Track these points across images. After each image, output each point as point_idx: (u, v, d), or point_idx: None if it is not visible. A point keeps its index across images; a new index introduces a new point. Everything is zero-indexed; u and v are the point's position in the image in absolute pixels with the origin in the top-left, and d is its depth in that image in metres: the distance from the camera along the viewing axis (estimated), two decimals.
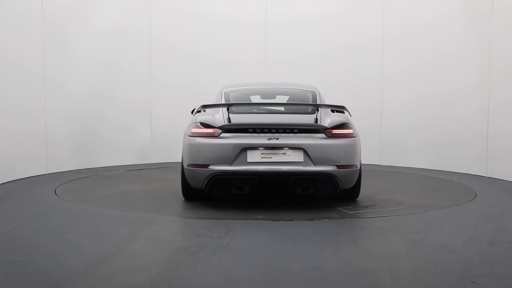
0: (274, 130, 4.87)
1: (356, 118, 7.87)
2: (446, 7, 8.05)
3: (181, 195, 5.50)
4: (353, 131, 5.07)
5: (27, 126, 7.04)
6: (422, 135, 8.39)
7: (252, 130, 4.88)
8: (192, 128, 5.02)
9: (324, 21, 9.15)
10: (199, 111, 5.25)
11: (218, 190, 5.14)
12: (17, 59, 6.85)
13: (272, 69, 9.18)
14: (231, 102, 5.48)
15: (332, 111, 6.34)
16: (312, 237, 3.98)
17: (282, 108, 5.61)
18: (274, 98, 6.21)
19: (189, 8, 9.26)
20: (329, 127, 4.95)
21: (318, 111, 5.17)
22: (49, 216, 4.76)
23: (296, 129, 4.90)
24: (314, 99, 5.68)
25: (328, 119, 5.07)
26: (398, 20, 8.63)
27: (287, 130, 4.88)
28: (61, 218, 4.67)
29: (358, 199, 5.52)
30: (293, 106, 5.49)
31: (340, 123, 5.05)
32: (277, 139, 4.82)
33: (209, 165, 4.83)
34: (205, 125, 4.95)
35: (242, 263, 3.30)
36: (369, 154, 8.86)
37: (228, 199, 5.55)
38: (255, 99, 6.02)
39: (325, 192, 5.14)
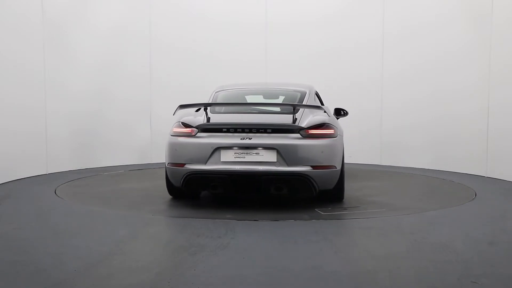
0: (247, 130, 4.88)
1: (356, 118, 7.93)
2: (446, 7, 8.05)
3: (190, 196, 5.56)
4: (334, 131, 4.99)
5: (27, 126, 7.04)
6: (422, 135, 8.39)
7: (226, 130, 4.91)
8: (174, 127, 5.14)
9: (324, 21, 9.15)
10: (187, 110, 5.30)
11: (194, 189, 5.21)
12: (17, 59, 6.85)
13: (272, 69, 9.18)
14: (219, 102, 5.54)
15: (337, 111, 6.31)
16: (312, 237, 3.97)
17: (270, 108, 5.53)
18: (264, 98, 6.23)
19: (189, 8, 9.26)
20: (305, 127, 4.89)
21: (297, 111, 5.09)
22: (49, 216, 4.76)
23: (269, 129, 4.88)
24: (301, 99, 5.64)
25: (307, 119, 5.01)
26: (398, 20, 8.63)
27: (260, 130, 4.88)
28: (61, 218, 4.67)
29: (346, 200, 5.45)
30: (275, 106, 5.48)
31: (319, 123, 4.96)
32: (250, 139, 4.83)
33: (185, 164, 4.91)
34: (186, 125, 5.06)
35: (242, 263, 3.30)
36: (369, 154, 8.87)
37: (227, 199, 5.55)
38: (243, 99, 6.01)
39: (301, 193, 5.06)
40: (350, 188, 6.55)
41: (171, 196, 5.62)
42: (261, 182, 4.81)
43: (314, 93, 5.92)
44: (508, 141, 6.97)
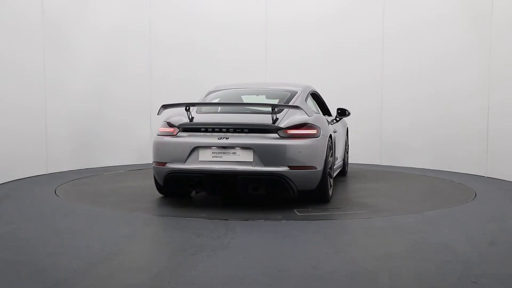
0: (224, 130, 4.92)
1: (356, 118, 7.94)
2: (446, 7, 8.05)
3: (180, 195, 5.62)
4: (316, 131, 4.95)
5: (27, 126, 7.04)
6: (422, 135, 8.39)
7: (204, 129, 4.98)
8: (160, 127, 5.28)
9: (324, 22, 9.15)
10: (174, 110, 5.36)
11: (175, 188, 5.26)
12: (17, 59, 6.85)
13: (272, 69, 9.18)
14: (202, 102, 5.62)
15: (339, 111, 6.46)
16: (312, 237, 3.98)
17: (261, 108, 5.45)
18: (254, 97, 6.25)
19: (189, 8, 9.26)
20: (283, 127, 4.87)
21: (281, 110, 5.06)
22: (49, 216, 4.76)
23: (246, 129, 4.89)
24: (290, 98, 5.60)
25: (289, 119, 4.98)
26: (398, 20, 8.62)
27: (237, 130, 4.90)
28: (61, 218, 4.67)
29: (336, 201, 5.39)
30: (254, 106, 5.45)
31: (299, 123, 4.93)
32: (227, 138, 4.86)
33: (166, 163, 5.02)
34: (170, 125, 5.17)
35: (242, 263, 3.30)
36: (369, 154, 8.87)
37: (226, 199, 5.55)
38: (233, 99, 6.01)
39: (279, 194, 5.00)
40: (344, 189, 6.54)
41: (170, 196, 5.62)
42: (237, 181, 4.82)
43: (307, 93, 5.87)
44: (508, 141, 6.97)
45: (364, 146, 8.87)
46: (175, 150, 4.98)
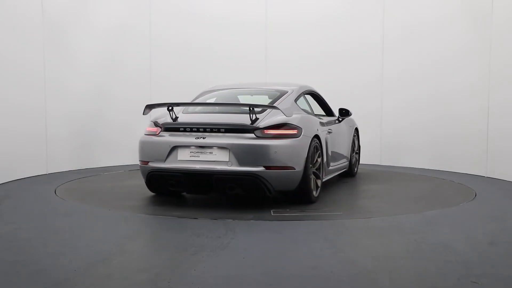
0: (202, 130, 4.98)
1: (356, 118, 7.92)
2: (446, 8, 8.05)
3: (182, 195, 5.64)
4: (297, 131, 4.93)
5: (27, 126, 7.04)
6: (422, 135, 8.39)
7: (183, 129, 5.05)
8: (147, 127, 5.39)
9: (324, 22, 9.14)
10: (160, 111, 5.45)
11: (156, 186, 5.35)
12: (17, 59, 6.85)
13: (272, 69, 9.18)
14: (185, 102, 5.67)
15: (340, 111, 6.50)
16: (312, 237, 3.97)
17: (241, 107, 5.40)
18: (248, 97, 6.23)
19: (189, 8, 9.26)
20: (261, 127, 4.87)
21: (264, 110, 5.04)
22: (49, 216, 4.76)
23: (222, 128, 4.92)
24: (277, 98, 5.57)
25: (269, 119, 4.97)
26: (398, 21, 8.62)
27: (213, 130, 4.94)
28: (61, 218, 4.67)
29: (323, 202, 5.33)
30: (231, 106, 5.43)
31: (278, 123, 4.91)
32: (204, 138, 4.91)
33: (148, 162, 5.15)
34: (156, 124, 5.28)
35: (242, 263, 3.30)
36: (368, 154, 8.87)
37: (226, 199, 5.55)
38: (222, 99, 6.02)
39: (255, 194, 4.99)
40: (340, 190, 6.54)
41: (170, 196, 5.63)
42: (213, 181, 4.85)
43: (299, 93, 5.83)
44: (508, 141, 6.97)
45: (364, 146, 8.85)
46: (156, 149, 5.09)
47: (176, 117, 5.21)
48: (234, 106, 5.38)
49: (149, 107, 5.22)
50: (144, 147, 5.21)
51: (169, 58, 9.11)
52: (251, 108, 4.89)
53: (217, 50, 9.24)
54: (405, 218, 4.69)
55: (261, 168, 4.75)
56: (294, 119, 5.05)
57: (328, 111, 6.70)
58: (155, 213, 4.83)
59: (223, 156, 4.83)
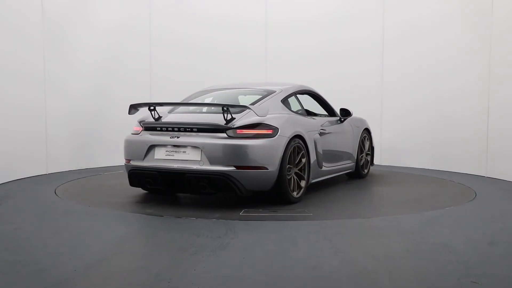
0: (176, 129, 5.06)
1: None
2: (446, 9, 8.04)
3: (182, 195, 5.66)
4: (272, 131, 4.93)
5: (27, 126, 7.04)
6: (422, 135, 8.39)
7: (159, 128, 5.16)
8: (134, 126, 5.52)
9: (324, 23, 9.13)
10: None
11: (136, 184, 5.42)
12: (17, 59, 6.85)
13: (272, 68, 9.17)
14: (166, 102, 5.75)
15: (341, 111, 6.51)
16: (312, 237, 3.98)
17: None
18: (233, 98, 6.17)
19: (189, 7, 9.25)
20: (233, 126, 4.89)
21: (242, 110, 5.03)
22: (49, 216, 4.76)
23: (195, 128, 4.98)
24: (261, 98, 5.56)
25: (245, 119, 4.97)
26: (398, 23, 8.60)
27: (187, 130, 5.01)
28: (61, 218, 4.67)
29: (306, 203, 5.27)
30: (207, 106, 5.49)
31: (253, 122, 4.93)
32: (177, 137, 5.00)
33: (130, 160, 5.32)
34: (139, 124, 5.42)
35: (242, 263, 3.30)
36: None
37: (226, 198, 5.55)
38: (209, 99, 6.04)
39: (227, 193, 5.02)
40: (329, 192, 6.52)
41: (171, 197, 5.64)
42: (185, 180, 4.90)
43: (289, 93, 5.80)
44: (508, 141, 6.97)
45: None
46: (136, 148, 5.24)
47: (160, 117, 5.30)
48: (207, 106, 5.45)
49: (133, 107, 5.32)
50: (126, 145, 5.37)
51: (169, 58, 9.10)
52: (225, 108, 4.92)
53: (217, 50, 9.23)
54: (405, 218, 4.69)
55: (231, 168, 4.78)
56: (270, 119, 5.04)
57: (330, 111, 6.64)
58: (155, 212, 4.83)
59: (196, 155, 4.90)
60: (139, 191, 5.93)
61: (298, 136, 5.26)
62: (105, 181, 6.85)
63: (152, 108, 5.23)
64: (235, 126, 4.89)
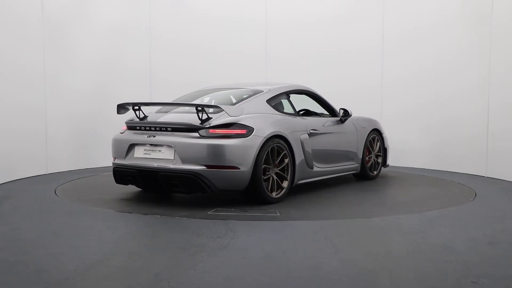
0: (153, 129, 5.19)
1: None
2: (446, 11, 8.03)
3: (180, 195, 5.65)
4: (246, 131, 4.94)
5: (27, 126, 7.04)
6: (422, 135, 8.38)
7: (139, 128, 5.32)
8: (123, 126, 5.65)
9: (324, 23, 9.12)
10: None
11: (120, 182, 5.54)
12: (17, 59, 6.85)
13: (272, 68, 9.16)
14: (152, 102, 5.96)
15: (341, 111, 6.46)
16: (312, 237, 3.98)
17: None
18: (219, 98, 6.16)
19: (189, 6, 9.24)
20: (206, 126, 4.93)
21: (218, 110, 5.03)
22: (49, 216, 4.76)
23: (169, 127, 5.07)
24: (245, 98, 5.57)
25: (221, 119, 5.00)
26: (398, 25, 8.59)
27: (162, 129, 5.11)
28: (61, 218, 4.67)
29: (289, 203, 5.26)
30: (184, 106, 5.59)
31: (227, 122, 4.97)
32: (154, 137, 5.13)
33: (116, 158, 5.51)
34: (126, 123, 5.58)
35: (242, 263, 3.30)
36: None
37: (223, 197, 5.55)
38: (192, 99, 6.06)
39: (199, 192, 5.04)
40: (320, 193, 6.50)
41: (170, 196, 5.64)
42: (158, 178, 5.00)
43: (277, 93, 5.78)
44: (508, 141, 6.97)
45: None
46: (119, 146, 5.43)
47: (145, 117, 5.41)
48: (183, 106, 5.56)
49: (121, 106, 5.45)
50: (112, 144, 5.56)
51: (169, 58, 9.10)
52: (199, 108, 4.97)
53: (217, 49, 9.22)
54: (405, 218, 4.69)
55: (202, 167, 4.83)
56: (245, 119, 5.07)
57: (331, 111, 6.57)
58: (155, 213, 4.83)
59: (170, 154, 4.99)
60: (139, 191, 5.93)
61: (279, 136, 5.25)
62: (105, 181, 6.85)
63: (136, 108, 5.34)
64: (208, 126, 4.95)
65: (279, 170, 5.29)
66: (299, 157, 5.52)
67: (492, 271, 3.17)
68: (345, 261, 3.36)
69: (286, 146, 5.33)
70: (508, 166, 6.97)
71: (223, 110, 5.00)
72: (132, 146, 5.28)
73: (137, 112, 5.37)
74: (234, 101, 5.68)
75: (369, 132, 6.95)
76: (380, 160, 7.21)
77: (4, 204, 5.27)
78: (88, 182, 6.74)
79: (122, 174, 5.39)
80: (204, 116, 4.97)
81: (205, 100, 6.02)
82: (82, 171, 7.72)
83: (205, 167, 4.83)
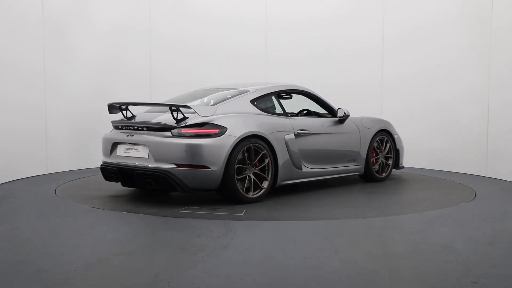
0: (132, 128, 5.35)
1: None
2: (447, 12, 8.04)
3: (181, 194, 5.65)
4: (218, 131, 4.99)
5: (27, 126, 7.04)
6: (422, 135, 8.39)
7: (120, 127, 5.51)
8: None
9: (324, 22, 9.12)
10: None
11: (107, 179, 5.64)
12: (17, 59, 6.85)
13: (272, 68, 9.15)
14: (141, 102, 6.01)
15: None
16: (312, 237, 3.98)
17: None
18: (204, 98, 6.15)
19: (189, 5, 9.24)
20: (179, 126, 5.02)
21: (177, 109, 5.07)
22: (49, 216, 4.76)
23: (145, 127, 5.22)
24: (228, 98, 5.61)
25: (195, 118, 5.06)
26: (398, 26, 8.58)
27: (139, 128, 5.28)
28: (61, 218, 4.67)
29: (268, 203, 5.24)
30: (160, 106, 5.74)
31: (200, 122, 5.03)
32: (132, 136, 5.30)
33: (103, 156, 5.66)
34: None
35: (242, 263, 3.30)
36: None
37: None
38: (186, 99, 6.06)
39: (171, 190, 5.16)
40: (310, 194, 6.48)
41: (171, 196, 5.65)
42: (134, 176, 5.15)
43: (264, 93, 5.78)
44: (508, 141, 6.97)
45: None
46: (105, 145, 5.61)
47: (133, 116, 5.55)
48: (158, 106, 5.72)
49: (111, 106, 5.55)
50: (102, 142, 5.69)
51: (169, 58, 9.09)
52: (174, 108, 5.06)
53: (217, 49, 9.21)
54: (405, 218, 4.69)
55: (172, 166, 4.93)
56: (218, 119, 5.12)
57: (330, 111, 6.52)
58: (155, 213, 4.83)
59: (145, 153, 5.14)
60: (139, 191, 5.93)
61: (257, 136, 5.25)
62: (104, 181, 6.84)
63: (123, 107, 5.49)
64: (180, 125, 5.03)
65: (259, 170, 5.30)
66: (283, 157, 5.50)
67: (492, 271, 3.18)
68: (345, 261, 3.36)
69: (266, 146, 5.32)
70: (508, 166, 6.97)
71: (194, 110, 5.07)
72: (115, 145, 5.46)
73: (124, 112, 5.52)
74: (219, 101, 5.68)
75: (375, 133, 6.76)
76: (390, 161, 7.03)
77: (4, 204, 5.27)
78: (88, 182, 6.74)
79: (107, 171, 5.53)
80: (180, 116, 5.07)
81: (196, 101, 5.99)
82: (82, 171, 7.72)
83: (175, 166, 4.93)
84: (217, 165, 4.95)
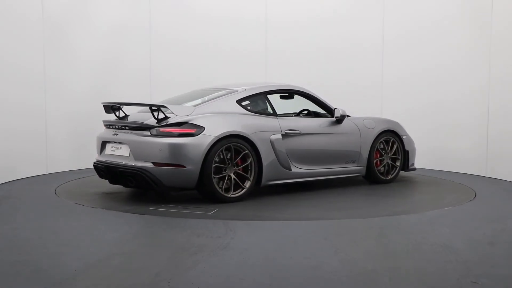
0: (116, 127, 5.50)
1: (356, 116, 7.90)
2: (447, 13, 8.03)
3: (181, 194, 5.65)
4: (194, 130, 5.06)
5: (27, 126, 7.04)
6: (422, 135, 8.38)
7: (108, 126, 5.66)
8: None
9: (324, 22, 9.12)
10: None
11: (100, 177, 5.75)
12: (17, 59, 6.84)
13: (272, 67, 9.15)
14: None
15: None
16: (312, 237, 3.98)
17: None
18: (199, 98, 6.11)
19: (190, 5, 9.23)
20: (157, 125, 5.12)
21: (158, 109, 5.14)
22: (49, 216, 4.76)
23: (127, 126, 5.36)
24: (212, 98, 5.67)
25: (174, 118, 5.16)
26: (398, 26, 8.58)
27: (123, 127, 5.42)
28: (61, 218, 4.67)
29: (249, 203, 5.25)
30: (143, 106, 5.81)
31: (178, 121, 5.14)
32: (116, 135, 5.44)
33: (97, 154, 5.78)
34: None
35: (242, 263, 3.30)
36: None
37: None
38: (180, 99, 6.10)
39: (149, 188, 5.22)
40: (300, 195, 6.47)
41: (172, 195, 5.64)
42: (117, 174, 5.31)
43: (253, 93, 5.79)
44: (508, 141, 6.97)
45: None
46: (97, 143, 5.77)
47: (125, 116, 5.66)
48: (140, 106, 5.81)
49: (106, 106, 5.64)
50: (96, 141, 5.83)
51: (170, 58, 9.08)
52: (154, 108, 5.15)
53: (217, 49, 9.20)
54: (405, 218, 4.69)
55: (149, 164, 5.04)
56: (197, 118, 5.19)
57: (329, 111, 6.50)
58: (155, 213, 4.83)
59: (126, 151, 5.28)
60: (139, 191, 5.93)
61: (239, 136, 5.25)
62: (104, 181, 6.83)
63: (116, 107, 5.60)
64: (159, 125, 5.12)
65: (242, 170, 5.31)
66: (267, 157, 5.48)
67: (492, 271, 3.18)
68: (345, 261, 3.36)
69: (248, 146, 5.32)
70: (508, 166, 6.97)
71: (171, 110, 5.17)
72: (104, 143, 5.61)
73: (116, 111, 5.62)
74: (206, 101, 5.70)
75: (378, 133, 6.58)
76: (398, 163, 6.84)
77: (4, 204, 5.28)
78: (88, 182, 6.73)
79: (98, 169, 5.66)
80: (162, 116, 5.16)
81: (193, 101, 5.95)
82: (82, 171, 7.72)
83: (152, 164, 5.03)
84: (193, 164, 5.00)
